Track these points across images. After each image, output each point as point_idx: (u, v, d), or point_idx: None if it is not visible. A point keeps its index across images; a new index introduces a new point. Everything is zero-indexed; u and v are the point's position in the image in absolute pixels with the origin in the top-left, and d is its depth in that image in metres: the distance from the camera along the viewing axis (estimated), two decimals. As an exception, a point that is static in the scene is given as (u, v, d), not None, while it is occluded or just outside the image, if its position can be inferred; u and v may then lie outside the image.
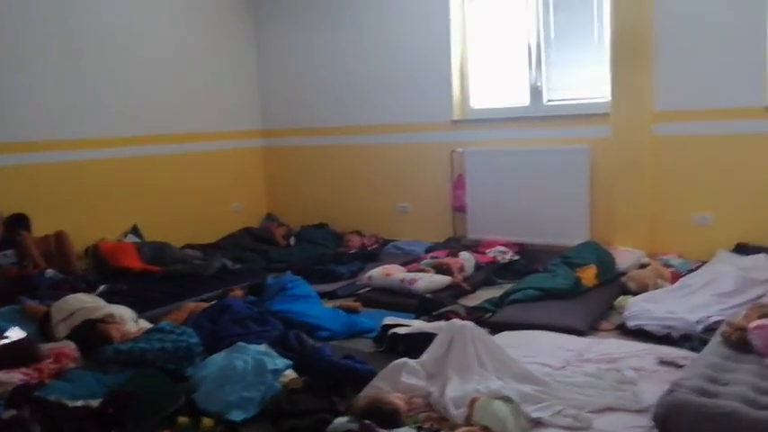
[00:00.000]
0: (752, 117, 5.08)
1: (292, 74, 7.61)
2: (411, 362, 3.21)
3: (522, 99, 6.32)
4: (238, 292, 4.82)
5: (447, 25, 6.42)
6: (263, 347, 3.43)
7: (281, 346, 3.63)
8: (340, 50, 7.18)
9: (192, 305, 4.50)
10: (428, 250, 6.19)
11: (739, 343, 3.34)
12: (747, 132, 5.12)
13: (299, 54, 7.51)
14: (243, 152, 7.77)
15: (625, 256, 5.29)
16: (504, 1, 6.34)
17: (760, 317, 3.50)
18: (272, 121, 7.88)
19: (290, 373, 3.36)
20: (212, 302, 4.44)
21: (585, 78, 5.97)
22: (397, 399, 2.89)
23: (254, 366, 3.22)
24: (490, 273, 5.55)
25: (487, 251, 5.93)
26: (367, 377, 3.24)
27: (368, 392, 3.07)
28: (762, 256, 4.76)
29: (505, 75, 6.43)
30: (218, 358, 3.37)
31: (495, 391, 2.94)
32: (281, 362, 3.33)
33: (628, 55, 5.40)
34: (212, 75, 7.34)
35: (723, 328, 3.49)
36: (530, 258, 5.83)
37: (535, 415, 2.90)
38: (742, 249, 5.07)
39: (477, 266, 5.55)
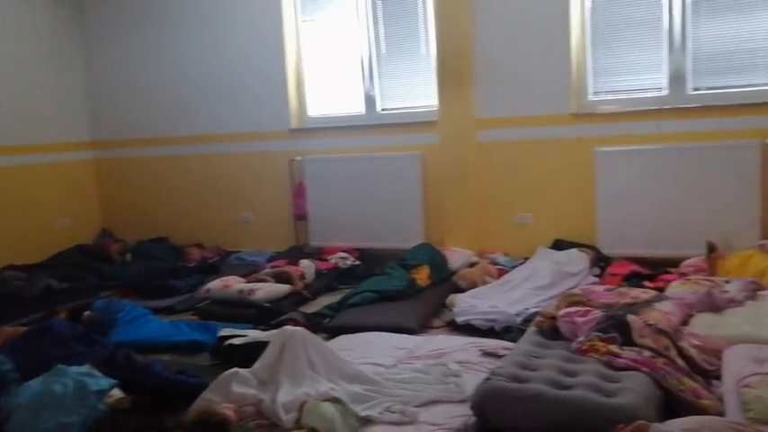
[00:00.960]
0: (561, 123, 5.57)
1: (124, 84, 7.31)
2: (242, 371, 3.19)
3: (357, 107, 6.49)
4: (63, 314, 4.55)
5: (280, 35, 6.46)
6: (84, 368, 3.26)
7: (109, 366, 3.47)
8: (173, 59, 7.00)
9: (10, 330, 4.18)
10: (270, 260, 6.17)
11: (550, 330, 3.64)
12: (558, 137, 5.61)
13: (129, 63, 7.24)
14: (72, 165, 7.36)
15: (456, 256, 5.58)
16: (337, 13, 6.48)
17: (568, 305, 3.84)
18: (104, 132, 7.52)
19: (117, 393, 3.22)
20: (32, 326, 4.16)
21: (416, 88, 6.25)
22: (226, 409, 2.87)
23: (74, 389, 3.06)
24: (332, 279, 5.64)
25: (329, 257, 6.02)
26: (199, 391, 3.18)
27: (198, 405, 3.02)
28: (574, 250, 5.22)
29: (341, 84, 6.57)
30: (35, 384, 3.15)
31: (323, 393, 3.00)
32: (105, 381, 3.18)
33: (451, 67, 5.72)
34: (36, 86, 6.91)
35: (537, 318, 3.80)
36: (369, 262, 5.98)
37: (364, 413, 3.00)
38: (559, 245, 5.52)
39: (319, 273, 5.62)
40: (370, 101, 6.42)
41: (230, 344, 3.86)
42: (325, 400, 2.91)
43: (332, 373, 3.30)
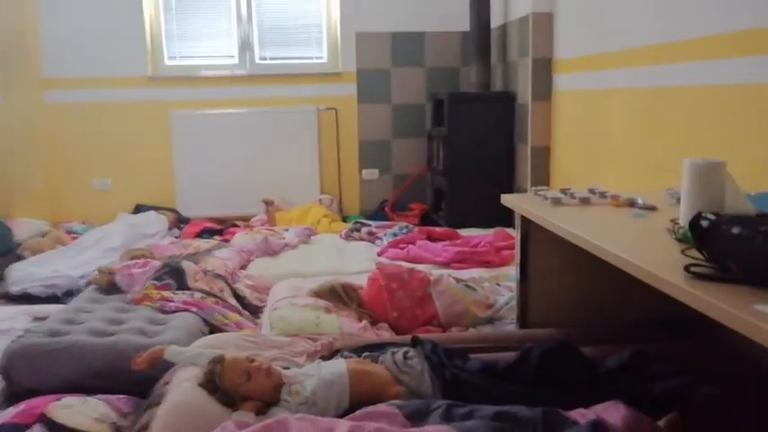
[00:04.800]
0: (137, 86, 5.40)
1: None
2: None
3: None
4: None
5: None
6: None
7: None
8: None
9: None
10: None
11: (109, 285, 3.49)
12: (135, 100, 5.43)
13: None
14: None
15: (24, 227, 5.00)
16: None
17: (131, 259, 3.73)
18: None
19: None
20: None
21: None
22: None
23: None
24: None
25: None
26: None
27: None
28: (152, 212, 5.12)
29: None
30: None
31: None
32: None
33: (9, 27, 5.10)
34: None
35: (95, 274, 3.60)
36: None
37: None
38: (140, 210, 5.36)
39: None
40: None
41: None
42: None
43: None
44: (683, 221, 1.72)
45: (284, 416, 1.65)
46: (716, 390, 1.66)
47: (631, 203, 2.26)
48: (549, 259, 2.62)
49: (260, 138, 5.41)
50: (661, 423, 1.60)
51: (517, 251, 2.63)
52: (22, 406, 2.10)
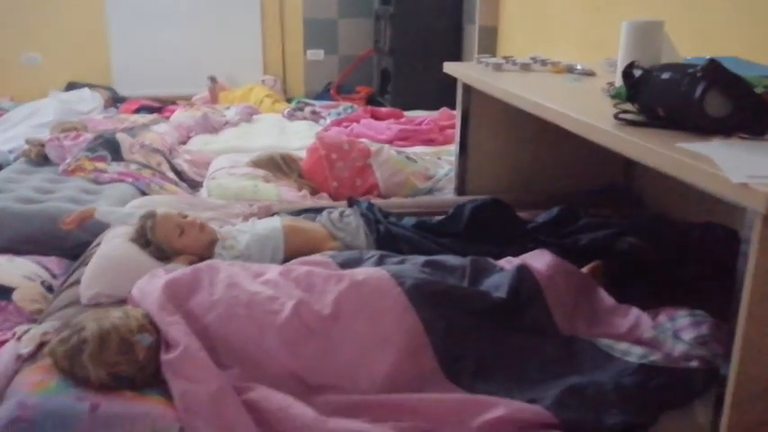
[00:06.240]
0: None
1: None
2: None
3: None
4: None
5: None
6: None
7: None
8: None
9: None
10: None
11: (39, 158, 3.36)
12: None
13: None
14: None
15: (-54, 102, 4.76)
16: None
17: (62, 131, 3.59)
18: None
19: None
20: None
21: None
22: None
23: None
24: None
25: None
26: None
27: None
28: (86, 89, 4.90)
29: None
30: None
31: None
32: None
33: None
34: None
35: (24, 146, 3.46)
36: None
37: None
38: (72, 87, 5.12)
39: None
40: None
41: None
42: None
43: None
44: (618, 82, 1.72)
45: (215, 260, 1.64)
46: (638, 240, 1.72)
47: (570, 69, 2.26)
48: (488, 130, 2.62)
49: (202, 14, 5.16)
50: (584, 270, 1.66)
51: (458, 121, 2.62)
52: (-53, 264, 2.04)
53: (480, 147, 2.61)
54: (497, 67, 2.36)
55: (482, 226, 1.85)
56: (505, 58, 2.50)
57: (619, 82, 1.73)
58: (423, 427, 1.19)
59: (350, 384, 1.33)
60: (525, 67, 2.36)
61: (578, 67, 2.24)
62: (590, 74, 2.18)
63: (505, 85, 2.05)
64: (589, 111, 1.59)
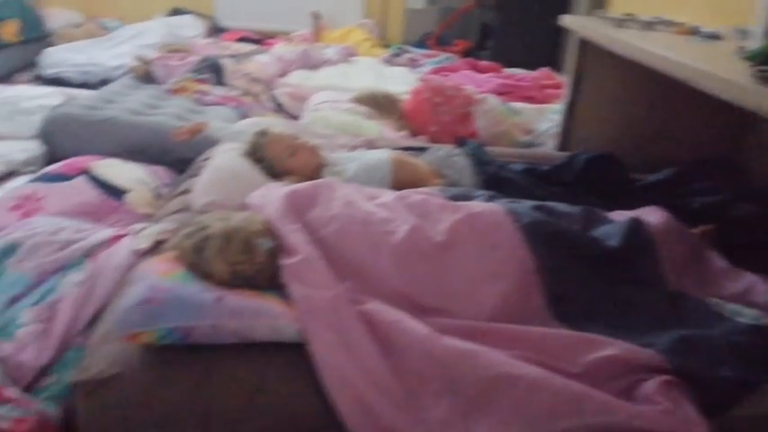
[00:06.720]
0: None
1: None
2: None
3: None
4: None
5: None
6: None
7: None
8: None
9: None
10: None
11: (145, 75, 3.47)
12: None
13: None
14: None
15: (57, 17, 4.93)
16: None
17: (168, 52, 3.69)
18: None
19: None
20: None
21: None
22: None
23: None
24: None
25: None
26: None
27: None
28: (190, 16, 5.00)
29: None
30: None
31: None
32: None
33: None
34: None
35: (132, 63, 3.57)
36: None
37: None
38: (177, 13, 5.23)
39: None
40: None
41: None
42: None
43: None
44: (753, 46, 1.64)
45: (331, 179, 1.67)
46: (753, 207, 1.66)
47: (694, 32, 2.17)
48: (599, 89, 2.55)
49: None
50: (696, 231, 1.62)
51: (568, 76, 2.56)
52: (67, 161, 2.15)
53: (588, 105, 2.55)
54: (618, 24, 2.28)
55: (593, 179, 1.82)
56: (626, 15, 2.42)
57: (753, 46, 1.66)
58: (533, 357, 1.20)
59: (458, 311, 1.35)
60: (647, 26, 2.28)
61: (703, 30, 2.14)
62: (716, 37, 2.08)
63: (630, 41, 1.99)
64: (723, 69, 1.52)
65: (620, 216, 1.60)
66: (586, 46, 2.47)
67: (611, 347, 1.21)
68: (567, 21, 2.52)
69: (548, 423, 1.07)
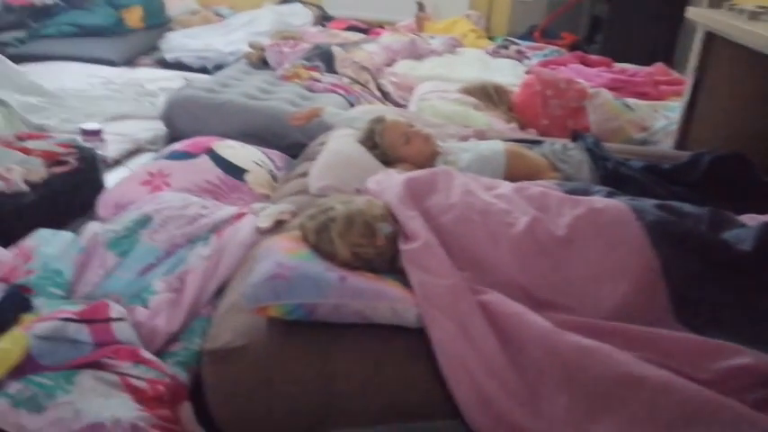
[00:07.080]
0: None
1: None
2: None
3: None
4: None
5: None
6: None
7: None
8: None
9: None
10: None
11: (258, 61, 3.59)
12: None
13: None
14: None
15: (176, 3, 5.16)
16: None
17: (281, 39, 3.79)
18: None
19: None
20: None
21: None
22: None
23: None
24: (24, 15, 4.90)
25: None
26: None
27: None
28: (299, 5, 5.12)
29: None
30: None
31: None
32: None
33: None
34: None
35: (246, 49, 3.70)
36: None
37: (38, 122, 2.77)
38: (285, 2, 5.35)
39: (8, 8, 4.84)
40: None
41: None
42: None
43: (3, 83, 2.93)
44: None
45: (449, 167, 1.68)
46: None
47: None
48: (725, 86, 2.43)
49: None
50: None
51: (691, 72, 2.45)
52: (192, 140, 2.25)
53: (712, 103, 2.43)
54: (752, 16, 2.16)
55: (721, 179, 1.74)
56: (761, 7, 2.28)
57: None
58: (658, 360, 1.16)
59: (576, 307, 1.32)
60: (786, 19, 2.15)
61: None
62: None
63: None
64: None
65: (752, 220, 1.52)
66: (712, 40, 2.35)
67: (744, 356, 1.15)
68: (692, 13, 2.41)
69: (683, 428, 1.04)
